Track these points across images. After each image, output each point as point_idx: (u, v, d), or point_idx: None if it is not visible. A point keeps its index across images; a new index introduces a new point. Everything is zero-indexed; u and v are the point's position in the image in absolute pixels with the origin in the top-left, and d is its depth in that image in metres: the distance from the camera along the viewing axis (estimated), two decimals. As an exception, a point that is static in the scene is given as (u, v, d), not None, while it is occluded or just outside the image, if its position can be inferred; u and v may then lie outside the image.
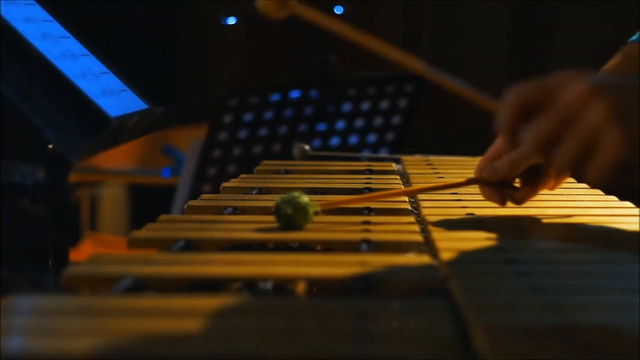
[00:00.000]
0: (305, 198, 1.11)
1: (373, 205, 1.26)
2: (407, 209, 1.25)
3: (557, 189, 1.41)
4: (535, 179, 1.20)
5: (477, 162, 1.74)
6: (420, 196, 1.32)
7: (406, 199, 1.32)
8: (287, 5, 1.06)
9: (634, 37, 1.27)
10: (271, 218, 1.14)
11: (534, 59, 3.72)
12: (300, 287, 0.88)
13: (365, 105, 2.61)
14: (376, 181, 1.48)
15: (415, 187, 1.38)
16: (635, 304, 0.81)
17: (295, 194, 1.11)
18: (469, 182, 1.23)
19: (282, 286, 0.89)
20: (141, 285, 0.87)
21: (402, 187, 1.43)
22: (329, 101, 2.54)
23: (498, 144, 1.22)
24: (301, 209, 1.10)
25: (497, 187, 1.19)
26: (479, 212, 1.21)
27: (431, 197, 1.32)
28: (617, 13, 3.45)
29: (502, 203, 1.20)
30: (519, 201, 1.20)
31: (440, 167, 1.67)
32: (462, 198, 1.32)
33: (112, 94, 1.61)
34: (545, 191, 1.39)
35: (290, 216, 1.10)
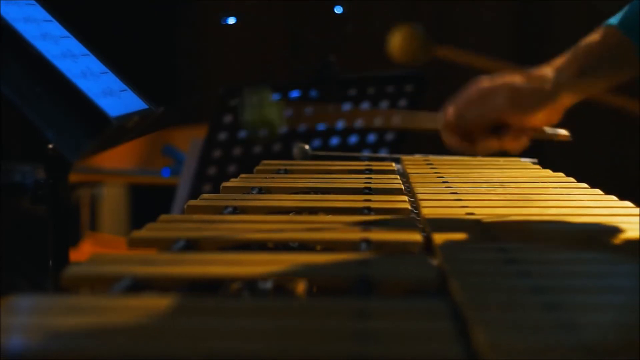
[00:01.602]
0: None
1: (373, 205, 1.26)
2: (407, 209, 1.25)
3: (556, 189, 1.41)
4: (500, 136, 1.32)
5: (477, 162, 1.74)
6: (421, 196, 1.32)
7: (406, 198, 1.32)
8: (430, 50, 1.14)
9: (613, 20, 1.28)
10: (271, 218, 1.14)
11: (534, 59, 3.72)
12: (300, 287, 0.88)
13: (365, 105, 2.61)
14: (376, 181, 1.48)
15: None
16: (636, 304, 0.81)
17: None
18: (438, 128, 1.31)
19: (282, 286, 0.89)
20: (141, 285, 0.87)
21: (402, 186, 1.43)
22: (329, 101, 2.54)
23: (470, 95, 1.27)
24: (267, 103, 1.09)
25: (463, 136, 1.27)
26: (479, 212, 1.21)
27: (431, 197, 1.32)
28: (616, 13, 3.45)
29: (464, 149, 1.33)
30: (481, 151, 1.27)
31: (440, 166, 1.67)
32: (462, 198, 1.32)
33: (112, 94, 1.61)
34: (545, 191, 1.39)
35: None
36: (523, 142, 1.31)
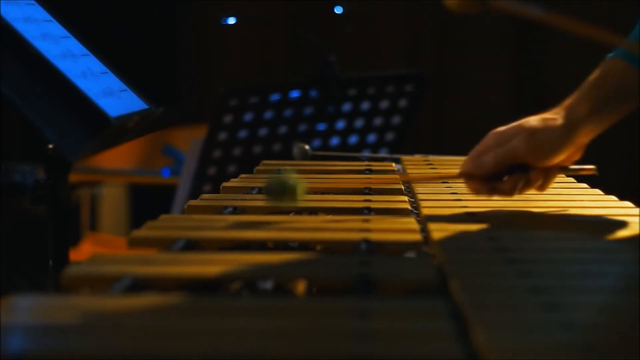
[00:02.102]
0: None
1: (373, 205, 1.26)
2: (407, 209, 1.25)
3: (556, 190, 1.41)
4: (523, 176, 1.26)
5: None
6: (420, 196, 1.32)
7: (406, 198, 1.32)
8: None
9: (612, 54, 1.28)
10: (271, 218, 1.14)
11: (534, 53, 3.72)
12: (300, 287, 0.88)
13: (365, 105, 2.60)
14: (376, 181, 1.48)
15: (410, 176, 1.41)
16: (635, 303, 0.81)
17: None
18: (458, 176, 1.27)
19: (282, 286, 0.89)
20: (141, 285, 0.87)
21: (402, 186, 1.43)
22: (329, 101, 2.54)
23: (487, 141, 1.26)
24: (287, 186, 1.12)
25: (484, 181, 1.26)
26: (478, 212, 1.21)
27: (431, 197, 1.32)
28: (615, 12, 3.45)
29: (490, 194, 1.28)
30: (506, 192, 1.24)
31: (440, 167, 1.67)
32: (462, 198, 1.32)
33: (112, 94, 1.61)
34: (545, 191, 1.39)
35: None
36: (550, 180, 1.30)
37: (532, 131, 1.23)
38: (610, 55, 1.28)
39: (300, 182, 1.12)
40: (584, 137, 1.25)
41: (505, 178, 1.25)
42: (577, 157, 1.29)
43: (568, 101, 1.26)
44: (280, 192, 1.11)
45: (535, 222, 1.21)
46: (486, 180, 1.25)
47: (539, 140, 1.23)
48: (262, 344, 0.70)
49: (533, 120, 1.25)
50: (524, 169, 1.25)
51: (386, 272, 0.91)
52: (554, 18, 1.08)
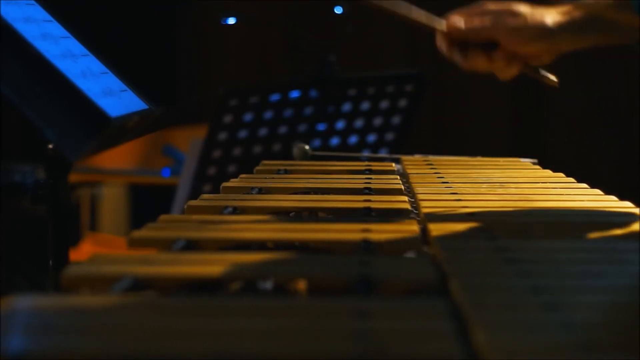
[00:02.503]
0: None
1: (373, 205, 1.26)
2: (407, 209, 1.25)
3: (556, 190, 1.41)
4: (486, 51, 1.34)
5: (476, 162, 1.75)
6: (420, 196, 1.32)
7: (406, 199, 1.32)
8: None
9: None
10: (271, 218, 1.14)
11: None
12: (300, 287, 0.88)
13: (365, 105, 2.60)
14: (376, 181, 1.48)
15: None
16: (635, 303, 0.81)
17: None
18: (440, 26, 1.36)
19: (282, 286, 0.89)
20: (141, 285, 0.87)
21: (402, 186, 1.43)
22: (329, 101, 2.54)
23: (478, 9, 1.31)
24: None
25: (455, 42, 1.35)
26: (478, 212, 1.21)
27: (431, 197, 1.32)
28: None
29: (449, 55, 1.36)
30: (461, 60, 1.30)
31: (440, 167, 1.67)
32: (462, 198, 1.32)
33: (112, 94, 1.61)
34: (545, 191, 1.39)
35: None
36: (512, 71, 1.34)
37: (520, 16, 1.28)
38: None
39: None
40: (563, 45, 1.30)
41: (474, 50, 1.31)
42: (547, 60, 1.34)
43: (566, 7, 1.30)
44: None
45: (535, 222, 1.21)
46: (458, 44, 1.31)
47: (523, 27, 1.28)
48: (262, 344, 0.70)
49: (523, 6, 1.30)
50: (492, 46, 1.30)
51: (386, 272, 0.92)
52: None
